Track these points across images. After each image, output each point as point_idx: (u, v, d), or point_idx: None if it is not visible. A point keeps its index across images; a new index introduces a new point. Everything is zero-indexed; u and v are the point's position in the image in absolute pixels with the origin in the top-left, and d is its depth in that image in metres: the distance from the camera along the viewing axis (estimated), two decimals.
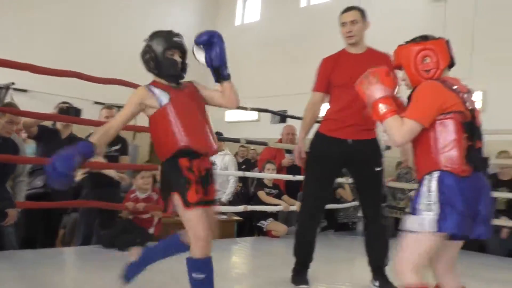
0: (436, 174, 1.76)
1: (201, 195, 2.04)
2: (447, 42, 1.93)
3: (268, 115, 8.76)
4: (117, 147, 4.10)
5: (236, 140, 4.48)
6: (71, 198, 3.83)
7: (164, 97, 2.10)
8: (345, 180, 5.15)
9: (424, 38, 1.94)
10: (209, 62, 2.20)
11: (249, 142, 4.83)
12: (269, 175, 4.82)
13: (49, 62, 3.78)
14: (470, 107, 1.83)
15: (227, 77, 2.27)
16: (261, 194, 4.80)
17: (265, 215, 4.74)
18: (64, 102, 3.90)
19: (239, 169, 5.92)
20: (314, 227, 2.95)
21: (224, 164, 5.49)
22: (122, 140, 4.20)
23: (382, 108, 1.86)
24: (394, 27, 7.67)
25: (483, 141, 1.86)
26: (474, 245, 4.83)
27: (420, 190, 1.78)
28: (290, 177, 4.89)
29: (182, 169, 2.04)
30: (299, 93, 8.14)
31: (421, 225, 1.74)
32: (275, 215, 4.84)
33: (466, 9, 6.86)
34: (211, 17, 11.56)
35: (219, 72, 2.24)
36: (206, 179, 2.11)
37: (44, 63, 3.33)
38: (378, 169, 2.88)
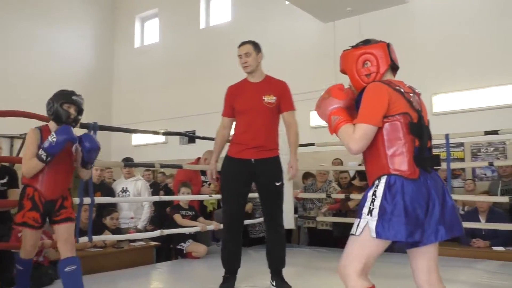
0: (384, 179, 1.73)
1: (28, 219, 2.79)
2: (388, 45, 1.93)
3: (176, 136, 8.73)
4: (4, 180, 3.81)
5: (150, 165, 4.44)
6: None
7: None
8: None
9: (366, 42, 1.95)
10: (86, 157, 2.92)
11: (164, 166, 4.80)
12: (185, 197, 4.84)
13: None
14: (417, 108, 1.82)
15: (89, 168, 3.04)
16: (177, 217, 4.78)
17: (184, 237, 4.73)
18: None
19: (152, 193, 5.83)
20: (237, 238, 3.29)
21: (137, 190, 5.38)
22: (10, 171, 3.89)
23: (333, 120, 1.84)
24: (289, 49, 8.18)
25: (432, 140, 1.86)
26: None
27: (366, 195, 1.76)
28: (206, 197, 4.95)
29: (25, 195, 2.84)
30: (206, 112, 8.30)
31: (362, 228, 1.71)
32: (194, 236, 4.85)
33: (352, 29, 7.52)
34: (108, 39, 11.28)
35: (86, 164, 2.99)
36: (47, 209, 2.84)
37: None
38: (278, 183, 3.25)
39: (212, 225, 4.89)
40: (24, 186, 2.87)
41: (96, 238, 4.04)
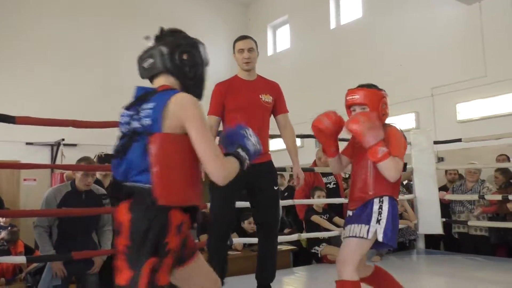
0: (387, 198, 2.24)
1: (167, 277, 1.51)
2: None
3: (312, 140, 8.68)
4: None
5: (282, 169, 4.43)
6: None
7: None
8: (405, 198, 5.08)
9: (376, 87, 2.36)
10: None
11: None
12: (320, 200, 4.74)
13: (91, 115, 3.93)
14: None
15: None
16: (316, 218, 4.72)
17: (318, 241, 4.65)
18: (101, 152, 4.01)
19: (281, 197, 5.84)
20: (224, 247, 3.06)
21: None
22: None
23: (380, 151, 2.15)
24: (430, 35, 7.53)
25: None
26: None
27: (372, 208, 2.22)
28: (342, 200, 4.80)
29: (171, 228, 1.51)
30: (342, 113, 8.09)
31: (371, 233, 2.18)
32: (328, 240, 4.73)
33: (503, 7, 6.62)
34: None
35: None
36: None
37: (88, 118, 3.42)
38: (276, 188, 3.05)
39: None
40: (165, 209, 1.50)
41: (236, 240, 4.20)
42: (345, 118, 2.39)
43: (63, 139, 8.11)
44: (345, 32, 9.27)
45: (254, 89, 3.02)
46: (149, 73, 1.70)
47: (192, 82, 1.71)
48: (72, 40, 9.04)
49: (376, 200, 2.23)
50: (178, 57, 1.66)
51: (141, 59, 1.71)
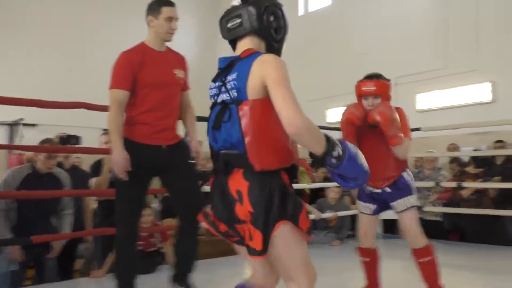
0: (408, 170, 2.72)
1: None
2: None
3: None
4: None
5: None
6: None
7: None
8: None
9: (383, 77, 2.65)
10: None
11: None
12: (302, 185, 4.83)
13: (54, 95, 3.83)
14: None
15: None
16: None
17: None
18: (63, 133, 3.95)
19: None
20: (133, 251, 2.67)
21: None
22: None
23: (402, 136, 2.52)
24: (397, 25, 7.68)
25: None
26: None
27: (405, 180, 2.66)
28: (323, 184, 4.89)
29: (289, 187, 1.55)
30: (306, 100, 8.18)
31: (417, 200, 2.70)
32: None
33: (470, 3, 6.81)
34: (210, 34, 11.60)
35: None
36: None
37: (49, 97, 3.35)
38: (192, 162, 2.73)
39: (314, 214, 4.81)
40: (275, 172, 1.53)
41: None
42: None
43: (21, 119, 7.85)
44: (313, 19, 9.31)
45: (168, 62, 2.66)
46: (235, 34, 1.68)
47: (276, 45, 1.72)
48: (38, 19, 8.73)
49: (405, 174, 2.66)
50: (266, 18, 1.65)
51: (225, 20, 1.70)
